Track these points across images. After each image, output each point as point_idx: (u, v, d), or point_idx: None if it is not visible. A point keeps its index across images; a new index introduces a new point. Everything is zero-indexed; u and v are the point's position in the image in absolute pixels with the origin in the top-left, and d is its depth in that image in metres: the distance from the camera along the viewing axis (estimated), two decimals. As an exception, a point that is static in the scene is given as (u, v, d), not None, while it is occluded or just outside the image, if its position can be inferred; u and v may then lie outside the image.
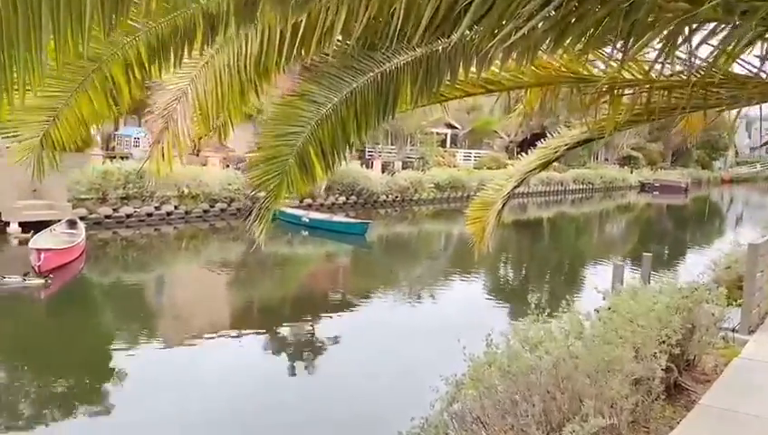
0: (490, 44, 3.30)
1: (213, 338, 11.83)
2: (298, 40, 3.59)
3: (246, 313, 14.68)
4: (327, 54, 3.89)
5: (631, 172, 63.63)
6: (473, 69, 3.91)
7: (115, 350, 11.10)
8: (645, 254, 11.10)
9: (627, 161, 66.53)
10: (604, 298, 6.96)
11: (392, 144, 43.70)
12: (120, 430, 7.96)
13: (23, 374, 9.67)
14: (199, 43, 3.33)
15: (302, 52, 3.71)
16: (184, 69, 3.94)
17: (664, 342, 6.07)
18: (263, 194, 4.15)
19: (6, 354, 10.50)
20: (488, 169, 46.41)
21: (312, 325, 13.23)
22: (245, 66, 3.79)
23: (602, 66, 4.02)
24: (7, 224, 19.79)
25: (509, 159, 53.17)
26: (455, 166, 44.09)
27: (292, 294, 16.54)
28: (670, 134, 69.17)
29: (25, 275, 14.16)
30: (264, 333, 12.52)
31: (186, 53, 3.34)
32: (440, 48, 3.59)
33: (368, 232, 24.13)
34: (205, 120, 4.20)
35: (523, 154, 5.96)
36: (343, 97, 3.89)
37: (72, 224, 19.16)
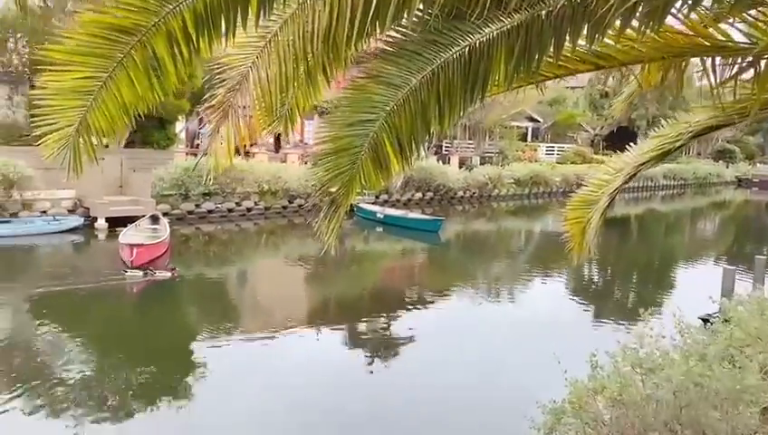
0: (607, 6, 2.66)
1: (293, 332, 11.85)
2: (372, 10, 3.07)
3: (323, 307, 14.49)
4: (405, 27, 3.34)
5: (727, 167, 59.71)
6: (581, 41, 3.26)
7: (200, 341, 11.26)
8: (758, 257, 9.95)
9: (722, 155, 62.41)
10: (720, 308, 6.07)
11: (470, 139, 42.68)
12: (206, 418, 8.02)
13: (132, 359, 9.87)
14: (255, 11, 2.86)
15: (377, 24, 3.18)
16: (243, 50, 3.49)
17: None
18: (333, 190, 3.63)
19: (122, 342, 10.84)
20: (572, 163, 44.71)
21: (385, 323, 12.87)
22: (312, 44, 3.29)
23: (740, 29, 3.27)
24: (95, 219, 20.45)
25: (594, 153, 51.16)
26: (536, 160, 42.60)
27: (367, 291, 16.16)
28: (772, 125, 64.59)
29: (149, 269, 14.74)
30: (340, 329, 12.32)
31: (240, 23, 2.87)
32: (543, 13, 2.95)
33: (441, 229, 23.56)
34: (268, 108, 3.73)
35: (632, 145, 5.19)
36: (424, 78, 3.32)
37: (155, 219, 19.57)
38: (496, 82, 3.38)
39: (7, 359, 9.54)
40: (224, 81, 3.81)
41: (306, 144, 33.74)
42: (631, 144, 5.43)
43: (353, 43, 3.23)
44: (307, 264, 19.21)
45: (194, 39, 2.82)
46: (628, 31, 3.41)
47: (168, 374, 9.55)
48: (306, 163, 28.68)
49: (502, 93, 4.13)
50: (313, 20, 3.17)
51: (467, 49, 3.18)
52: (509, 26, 3.06)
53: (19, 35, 22.48)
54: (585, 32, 2.97)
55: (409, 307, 14.28)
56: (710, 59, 3.33)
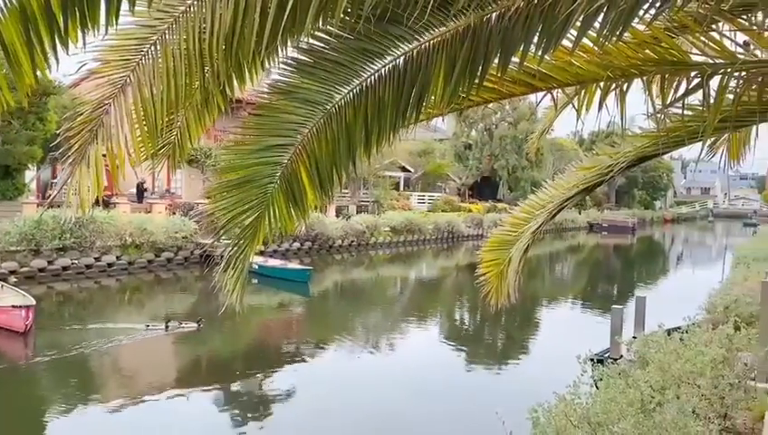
0: (573, 6, 2.28)
1: (159, 397, 10.77)
2: (288, 10, 2.50)
3: (195, 369, 13.25)
4: (328, 33, 2.80)
5: (579, 213, 64.15)
6: (515, 58, 2.89)
7: (57, 416, 9.93)
8: (638, 296, 10.25)
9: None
10: (628, 349, 5.94)
11: (345, 188, 42.68)
12: None
13: None
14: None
15: (293, 28, 2.62)
16: (124, 53, 2.77)
17: (713, 403, 5.09)
18: (237, 231, 2.94)
19: None
20: (442, 211, 45.99)
21: (259, 381, 12.00)
22: (212, 49, 2.65)
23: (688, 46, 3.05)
24: (-76, 281, 17.69)
25: (461, 201, 53.16)
26: (409, 209, 43.36)
27: (240, 349, 15.03)
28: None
29: (181, 322, 14.65)
30: (213, 390, 11.33)
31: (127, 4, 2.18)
32: (494, 16, 2.54)
33: (310, 279, 22.96)
34: (151, 131, 3.00)
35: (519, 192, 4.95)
36: (349, 94, 2.79)
37: None
38: (432, 103, 2.91)
39: None
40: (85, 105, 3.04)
41: (173, 193, 31.95)
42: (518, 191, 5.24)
43: (263, 48, 2.62)
44: (159, 324, 17.69)
45: (60, 22, 2.09)
46: (564, 50, 3.10)
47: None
48: (174, 214, 26.98)
49: (436, 117, 3.69)
50: (213, 17, 2.55)
51: (403, 59, 2.69)
52: (452, 32, 2.61)
53: None
54: (537, 39, 2.58)
55: (283, 364, 13.45)
56: (659, 79, 3.11)
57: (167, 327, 14.43)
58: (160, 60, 2.74)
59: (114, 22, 2.19)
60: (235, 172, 2.99)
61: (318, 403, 10.45)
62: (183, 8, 2.60)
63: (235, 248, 3.06)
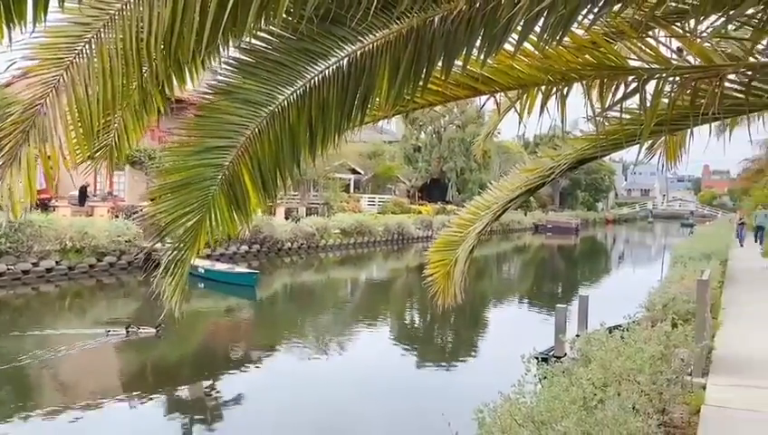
0: (512, 11, 2.30)
1: (104, 404, 10.49)
2: (228, 10, 2.45)
3: (140, 375, 12.91)
4: (270, 33, 2.76)
5: (525, 214, 65.40)
6: (458, 61, 2.91)
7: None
8: (581, 295, 10.50)
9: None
10: (572, 347, 6.07)
11: (295, 190, 42.36)
12: None
13: None
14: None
15: (234, 28, 2.57)
16: (56, 52, 2.66)
17: (652, 399, 5.25)
18: (181, 233, 2.86)
19: None
20: (392, 213, 46.17)
21: (207, 387, 11.76)
22: (150, 49, 2.58)
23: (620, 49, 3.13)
24: None
25: (411, 203, 53.53)
26: (359, 211, 43.34)
27: (187, 355, 14.72)
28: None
29: (139, 327, 14.47)
30: (159, 397, 11.06)
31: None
32: (437, 19, 2.55)
33: (257, 283, 22.62)
34: (87, 133, 2.89)
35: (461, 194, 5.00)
36: (293, 95, 2.75)
37: None
38: (377, 105, 2.90)
39: None
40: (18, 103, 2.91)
41: (116, 196, 31.07)
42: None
43: (203, 48, 2.56)
44: (120, 329, 17.16)
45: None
46: (506, 54, 3.14)
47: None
48: (117, 217, 26.21)
49: (382, 119, 3.69)
50: (151, 15, 2.47)
51: (346, 60, 2.67)
52: (396, 34, 2.61)
53: None
54: (480, 42, 2.61)
55: (234, 367, 13.27)
56: (598, 83, 3.19)
57: (127, 332, 14.20)
58: (96, 59, 2.64)
59: (42, 18, 2.11)
60: (177, 173, 2.92)
61: (269, 404, 10.37)
62: (119, 5, 2.51)
63: (175, 252, 2.98)
